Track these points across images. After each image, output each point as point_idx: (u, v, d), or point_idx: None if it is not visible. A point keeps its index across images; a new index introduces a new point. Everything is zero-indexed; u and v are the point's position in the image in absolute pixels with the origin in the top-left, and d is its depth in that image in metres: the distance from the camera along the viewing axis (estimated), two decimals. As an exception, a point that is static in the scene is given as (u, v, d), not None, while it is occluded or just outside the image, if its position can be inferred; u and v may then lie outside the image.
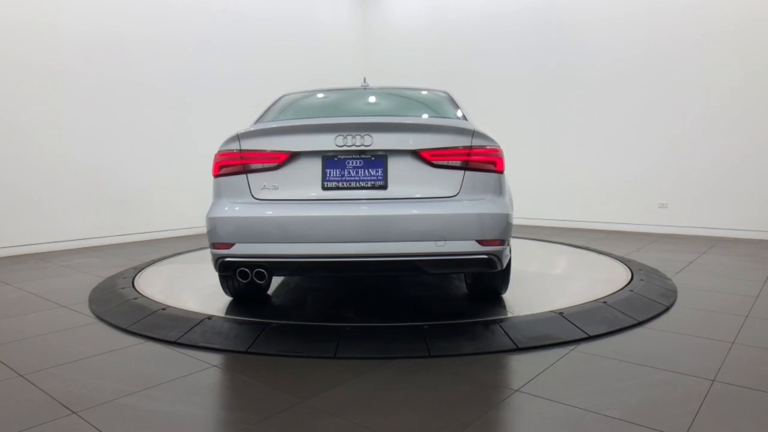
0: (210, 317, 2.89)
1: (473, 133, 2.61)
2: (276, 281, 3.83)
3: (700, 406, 1.90)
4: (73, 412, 1.90)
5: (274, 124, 2.78)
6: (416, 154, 2.57)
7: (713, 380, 2.12)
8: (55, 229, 5.69)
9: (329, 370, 2.31)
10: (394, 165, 2.58)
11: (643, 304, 3.15)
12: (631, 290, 3.38)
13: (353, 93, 3.54)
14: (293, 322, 2.81)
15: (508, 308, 3.06)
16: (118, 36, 6.15)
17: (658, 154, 6.74)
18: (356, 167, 2.60)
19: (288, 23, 8.13)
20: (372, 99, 3.44)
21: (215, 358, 2.44)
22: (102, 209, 6.03)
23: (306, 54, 8.36)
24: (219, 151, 2.75)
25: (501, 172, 2.68)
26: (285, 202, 2.61)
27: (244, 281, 2.72)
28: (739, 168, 6.20)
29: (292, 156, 2.63)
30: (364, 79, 4.03)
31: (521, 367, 2.30)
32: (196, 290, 3.61)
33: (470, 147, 2.58)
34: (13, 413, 1.91)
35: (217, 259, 2.65)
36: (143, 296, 3.39)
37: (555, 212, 7.58)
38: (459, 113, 3.14)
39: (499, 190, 2.67)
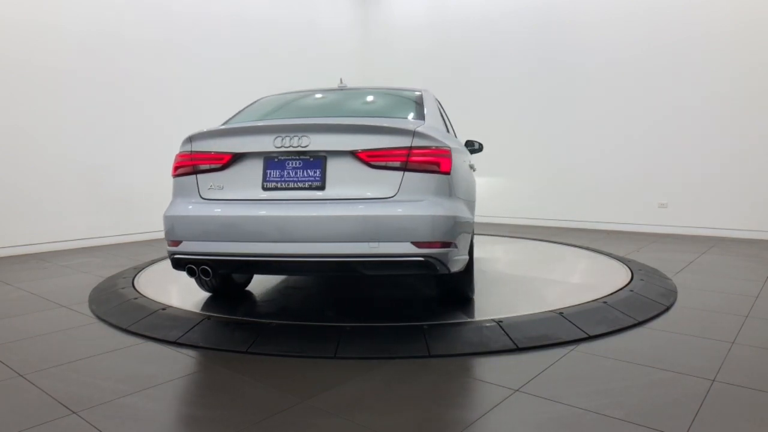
0: (210, 317, 2.89)
1: (414, 134, 2.54)
2: (276, 281, 3.83)
3: (700, 406, 1.90)
4: (73, 412, 1.90)
5: (220, 126, 2.83)
6: (354, 155, 2.54)
7: (713, 380, 2.12)
8: (55, 229, 5.69)
9: (329, 370, 2.31)
10: (333, 166, 2.57)
11: (643, 304, 3.15)
12: (631, 290, 3.38)
13: (323, 94, 3.58)
14: (293, 322, 2.81)
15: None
16: (118, 37, 6.15)
17: (658, 154, 6.74)
18: (295, 168, 2.61)
19: (288, 24, 8.14)
20: (336, 100, 3.43)
21: (215, 358, 2.44)
22: (102, 209, 6.03)
23: (306, 54, 8.36)
24: (178, 152, 2.84)
25: (446, 172, 2.58)
26: (228, 202, 2.66)
27: (192, 277, 2.77)
28: (739, 168, 6.20)
29: (236, 157, 2.67)
30: (341, 80, 4.04)
31: (521, 367, 2.30)
32: (196, 290, 3.60)
33: (410, 148, 2.52)
34: (13, 413, 1.91)
35: (169, 255, 2.75)
36: (143, 296, 3.39)
37: (555, 212, 7.58)
38: (424, 113, 3.00)
39: (444, 191, 2.57)
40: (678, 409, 1.87)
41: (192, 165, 2.76)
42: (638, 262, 4.52)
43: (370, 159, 2.52)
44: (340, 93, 3.52)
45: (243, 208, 2.60)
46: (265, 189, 2.62)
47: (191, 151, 2.77)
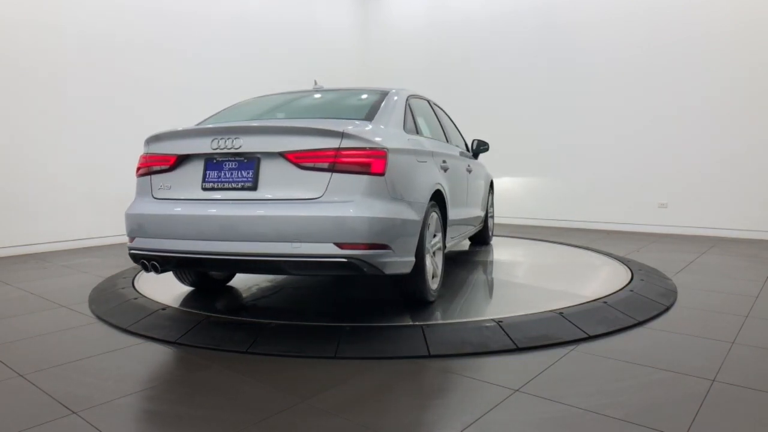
0: (210, 317, 2.89)
1: (342, 135, 2.54)
2: (276, 281, 3.83)
3: (700, 406, 1.90)
4: (73, 412, 1.90)
5: (166, 130, 2.91)
6: (284, 156, 2.57)
7: (713, 380, 2.12)
8: (55, 229, 5.69)
9: (329, 370, 2.31)
10: (265, 167, 2.61)
11: (643, 304, 3.15)
12: (631, 290, 3.38)
13: (292, 96, 3.68)
14: (293, 322, 2.81)
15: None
16: (118, 37, 6.15)
17: (658, 154, 6.74)
18: (231, 169, 2.67)
19: (288, 24, 8.14)
20: (300, 102, 3.53)
21: (215, 358, 2.44)
22: (102, 209, 6.03)
23: (306, 55, 8.36)
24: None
25: (378, 173, 2.56)
26: (172, 202, 2.77)
27: (147, 272, 2.90)
28: (739, 168, 6.20)
29: (181, 159, 2.79)
30: (315, 81, 4.09)
31: (521, 367, 2.30)
32: (196, 290, 3.60)
33: (338, 149, 2.53)
34: (13, 413, 1.91)
35: (127, 251, 2.90)
36: (143, 296, 3.39)
37: (555, 212, 7.59)
38: (375, 114, 3.00)
39: (376, 192, 2.55)
40: (678, 409, 1.87)
41: (147, 166, 2.92)
42: (638, 262, 4.52)
43: (299, 160, 2.55)
44: (307, 95, 3.64)
45: (184, 207, 2.71)
46: (204, 189, 2.71)
47: (147, 153, 2.94)
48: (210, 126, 2.79)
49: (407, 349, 2.48)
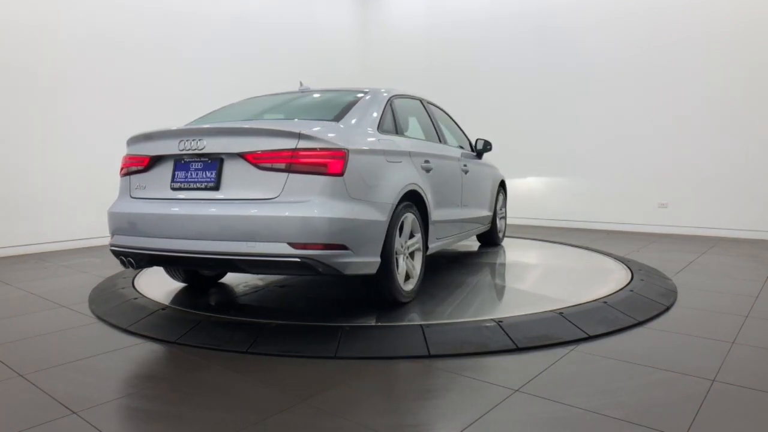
0: (210, 317, 2.89)
1: (299, 136, 2.57)
2: (275, 281, 3.83)
3: (700, 406, 1.90)
4: (73, 412, 1.90)
5: (141, 132, 2.99)
6: (243, 157, 2.62)
7: (713, 380, 2.12)
8: (55, 229, 5.69)
9: (329, 370, 2.31)
10: (228, 168, 2.67)
11: (643, 304, 3.15)
12: (631, 290, 3.38)
13: (276, 98, 3.74)
14: (293, 322, 2.81)
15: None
16: (118, 37, 6.15)
17: (658, 154, 6.74)
18: (196, 169, 2.75)
19: (288, 24, 8.14)
20: (278, 103, 3.57)
21: (215, 358, 2.44)
22: (102, 209, 5.97)
23: (306, 55, 8.36)
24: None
25: (336, 174, 2.58)
26: (146, 201, 2.87)
27: (124, 267, 3.00)
28: (739, 168, 6.20)
29: (154, 160, 2.89)
30: (300, 83, 4.10)
31: (521, 367, 2.30)
32: (196, 290, 3.61)
33: (295, 150, 2.56)
34: (13, 413, 1.91)
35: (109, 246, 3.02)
36: (143, 296, 3.39)
37: (555, 212, 7.59)
38: (346, 114, 3.02)
39: (334, 192, 2.56)
40: (678, 409, 1.87)
41: (126, 167, 3.03)
42: (638, 262, 4.52)
43: (257, 161, 2.59)
44: (291, 96, 3.68)
45: (154, 206, 2.80)
46: (172, 189, 2.80)
47: (127, 154, 3.05)
48: (177, 128, 2.85)
49: (407, 349, 2.48)
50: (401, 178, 3.04)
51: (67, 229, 5.75)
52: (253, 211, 2.53)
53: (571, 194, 7.49)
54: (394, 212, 2.90)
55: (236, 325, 2.79)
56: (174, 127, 2.87)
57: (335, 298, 3.46)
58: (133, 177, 2.98)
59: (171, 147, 2.80)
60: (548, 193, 7.68)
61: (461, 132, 4.77)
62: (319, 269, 2.53)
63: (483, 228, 4.93)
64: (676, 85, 6.56)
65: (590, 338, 2.62)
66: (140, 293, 3.47)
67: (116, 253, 2.93)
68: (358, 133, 2.92)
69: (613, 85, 7.04)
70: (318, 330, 2.70)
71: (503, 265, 4.58)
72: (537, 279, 4.00)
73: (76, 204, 5.84)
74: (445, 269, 4.24)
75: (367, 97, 3.30)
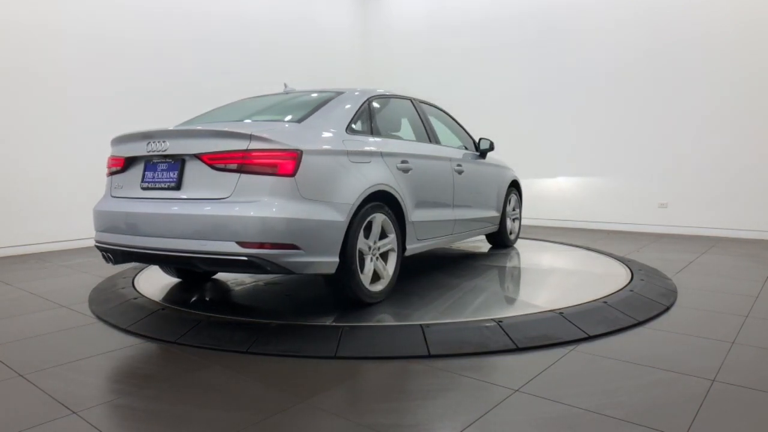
0: (210, 317, 2.89)
1: (251, 137, 2.63)
2: (275, 280, 3.83)
3: (700, 406, 1.90)
4: (73, 412, 1.90)
5: (119, 134, 3.12)
6: (200, 158, 2.71)
7: (713, 380, 2.12)
8: (55, 229, 5.69)
9: (329, 370, 2.31)
10: (189, 168, 2.77)
11: (643, 304, 3.15)
12: (631, 290, 3.38)
13: (258, 100, 3.81)
14: (293, 322, 2.81)
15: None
16: (118, 37, 6.15)
17: (658, 154, 6.74)
18: (162, 170, 2.87)
19: (288, 25, 8.14)
20: (257, 105, 3.63)
21: (215, 358, 2.44)
22: (102, 209, 6.03)
23: (306, 55, 8.36)
24: None
25: (287, 174, 2.62)
26: (120, 200, 3.02)
27: (106, 262, 3.14)
28: (739, 168, 6.20)
29: (129, 161, 3.03)
30: (285, 85, 4.11)
31: (521, 367, 2.30)
32: (196, 290, 3.61)
33: (246, 151, 2.62)
34: (13, 413, 1.92)
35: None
36: (143, 296, 3.39)
37: (555, 212, 7.59)
38: (312, 115, 3.08)
39: (282, 193, 2.60)
40: (678, 409, 1.87)
41: (109, 167, 3.18)
42: (638, 262, 4.52)
43: (212, 162, 2.68)
44: (272, 98, 3.75)
45: (126, 205, 2.94)
46: (142, 189, 2.92)
47: (110, 155, 3.20)
48: (145, 130, 2.94)
49: (407, 349, 2.48)
50: (367, 178, 3.04)
51: (67, 229, 5.75)
52: (206, 210, 2.61)
53: (571, 194, 7.49)
54: (357, 212, 2.91)
55: (236, 325, 2.79)
56: (143, 129, 2.96)
57: (335, 299, 3.46)
58: (114, 177, 3.12)
59: (141, 148, 2.92)
60: (548, 193, 7.68)
61: (464, 132, 4.69)
62: (267, 268, 2.59)
63: (489, 229, 4.86)
64: (677, 84, 6.56)
65: (590, 338, 2.62)
66: (140, 293, 3.47)
67: (98, 248, 3.09)
68: (319, 134, 2.96)
69: (613, 85, 7.04)
70: (318, 330, 2.70)
71: (503, 264, 4.58)
72: (537, 279, 3.99)
73: (76, 204, 5.84)
74: (446, 269, 4.24)
75: (340, 98, 3.34)
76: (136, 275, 4.06)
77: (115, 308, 3.21)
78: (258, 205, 2.56)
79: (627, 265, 4.24)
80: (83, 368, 2.35)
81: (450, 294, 3.42)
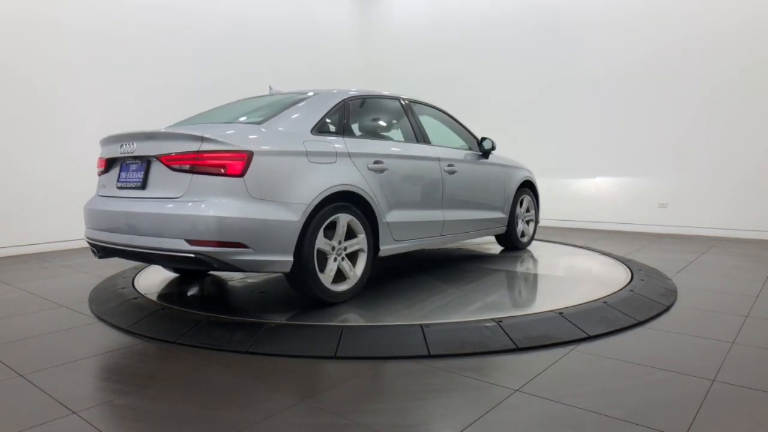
0: (210, 317, 2.89)
1: (202, 139, 2.74)
2: (275, 280, 3.83)
3: (700, 406, 1.90)
4: (73, 412, 1.90)
5: (105, 135, 3.28)
6: (160, 159, 2.85)
7: (713, 380, 2.12)
8: (55, 229, 5.69)
9: (329, 370, 2.31)
10: (153, 169, 2.92)
11: (643, 304, 3.15)
12: (631, 290, 3.38)
13: (241, 103, 3.84)
14: (293, 322, 2.81)
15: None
16: (117, 35, 6.15)
17: (658, 154, 6.74)
18: (132, 171, 3.03)
19: (287, 23, 8.13)
20: (239, 108, 3.66)
21: (215, 358, 2.44)
22: (102, 209, 6.03)
23: (305, 54, 8.36)
24: None
25: (235, 175, 2.70)
26: (102, 198, 3.22)
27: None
28: (739, 168, 6.20)
29: (109, 161, 3.23)
30: (270, 87, 4.11)
31: (521, 367, 2.30)
32: (196, 290, 3.61)
33: (198, 152, 2.73)
34: (13, 413, 1.92)
35: None
36: (143, 296, 3.39)
37: (555, 212, 7.58)
38: (275, 117, 3.15)
39: (231, 193, 2.69)
40: (678, 409, 1.87)
41: (98, 167, 3.39)
42: (638, 262, 4.52)
43: (169, 163, 2.81)
44: (256, 100, 3.79)
45: (103, 203, 3.14)
46: (117, 188, 3.10)
47: (99, 156, 3.39)
48: (120, 133, 3.13)
49: (407, 349, 2.48)
50: (328, 179, 3.06)
51: (67, 229, 5.75)
52: (161, 209, 2.76)
53: (571, 194, 7.49)
54: (315, 212, 2.95)
55: (236, 325, 2.79)
56: (119, 132, 3.13)
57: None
58: (101, 177, 3.32)
59: (117, 150, 3.10)
60: (548, 193, 7.67)
61: (466, 131, 4.61)
62: (214, 265, 2.70)
63: (494, 230, 4.76)
64: (676, 84, 6.56)
65: (590, 338, 2.62)
66: (140, 293, 3.47)
67: (88, 242, 3.25)
68: (276, 135, 3.00)
69: (613, 85, 7.04)
70: (318, 330, 2.70)
71: (503, 264, 4.58)
72: (537, 279, 3.99)
73: (76, 204, 5.80)
74: (446, 269, 4.24)
75: (311, 99, 3.40)
76: (136, 275, 4.07)
77: (115, 308, 3.21)
78: (205, 205, 2.66)
79: (627, 265, 4.24)
80: (83, 368, 2.35)
81: (450, 294, 3.41)
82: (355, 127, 3.63)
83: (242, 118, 3.35)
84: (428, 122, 4.32)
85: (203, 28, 7.03)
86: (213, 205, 2.65)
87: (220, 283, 3.87)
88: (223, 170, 2.70)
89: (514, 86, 7.90)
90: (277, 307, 3.26)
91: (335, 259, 3.13)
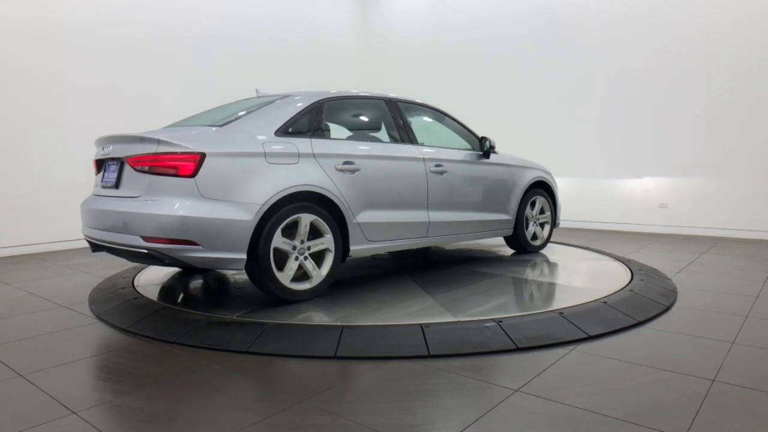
0: (210, 317, 2.89)
1: (159, 142, 2.90)
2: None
3: (700, 406, 1.90)
4: (73, 412, 1.90)
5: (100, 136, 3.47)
6: (127, 161, 3.05)
7: (713, 380, 2.12)
8: (55, 229, 5.69)
9: (329, 370, 2.31)
10: (125, 170, 3.11)
11: (643, 304, 3.15)
12: (631, 290, 3.38)
13: (226, 106, 3.89)
14: (293, 322, 2.81)
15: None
16: (117, 36, 6.15)
17: (658, 154, 6.74)
18: (111, 171, 3.23)
19: (287, 24, 8.13)
20: (221, 111, 3.70)
21: (215, 358, 2.44)
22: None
23: (305, 55, 8.36)
24: None
25: (187, 175, 2.84)
26: (92, 196, 3.41)
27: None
28: (739, 168, 6.20)
29: (98, 162, 3.42)
30: (257, 90, 4.12)
31: (521, 367, 2.30)
32: (196, 290, 3.61)
33: (155, 154, 2.89)
34: (13, 413, 1.92)
35: None
36: (143, 296, 3.39)
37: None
38: (235, 119, 3.27)
39: (182, 192, 2.83)
40: (678, 409, 1.87)
41: (93, 168, 3.55)
42: (638, 262, 4.52)
43: (133, 164, 3.00)
44: (240, 103, 3.84)
45: (91, 201, 3.34)
46: (102, 187, 3.30)
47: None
48: (102, 136, 3.34)
49: (407, 349, 2.48)
50: (287, 179, 3.10)
51: (67, 229, 5.75)
52: (124, 207, 2.96)
53: (570, 194, 7.48)
54: (271, 212, 3.00)
55: (236, 325, 2.79)
56: (103, 135, 3.33)
57: (335, 299, 3.46)
58: (96, 177, 3.49)
59: (100, 152, 3.33)
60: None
61: (467, 131, 4.52)
62: (166, 261, 2.87)
63: (497, 232, 4.59)
64: (676, 84, 6.56)
65: (590, 338, 2.62)
66: (140, 293, 3.47)
67: (84, 237, 3.43)
68: (234, 137, 3.09)
69: (613, 85, 7.04)
70: (318, 330, 2.70)
71: (503, 263, 4.58)
72: (537, 279, 3.99)
73: (76, 204, 5.82)
74: (446, 269, 4.24)
75: (280, 102, 3.47)
76: (136, 275, 4.07)
77: (115, 308, 3.21)
78: (157, 203, 2.84)
79: (627, 265, 4.24)
80: (83, 368, 2.35)
81: (451, 294, 3.41)
82: (331, 128, 3.68)
83: (217, 120, 3.40)
84: (422, 122, 4.29)
85: (204, 29, 7.02)
86: (164, 204, 2.81)
87: (220, 282, 3.87)
88: (176, 171, 2.85)
89: (512, 85, 7.89)
90: (277, 307, 3.26)
91: (297, 258, 3.16)
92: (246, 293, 3.55)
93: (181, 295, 3.52)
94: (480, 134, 4.63)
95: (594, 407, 1.89)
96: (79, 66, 5.84)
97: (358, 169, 3.47)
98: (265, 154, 3.08)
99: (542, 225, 5.06)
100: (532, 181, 4.84)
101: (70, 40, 5.76)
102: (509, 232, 4.73)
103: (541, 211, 5.01)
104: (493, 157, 4.55)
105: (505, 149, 6.79)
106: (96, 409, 1.93)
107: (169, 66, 6.64)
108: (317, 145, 3.35)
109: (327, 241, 3.27)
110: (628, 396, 1.99)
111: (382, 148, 3.82)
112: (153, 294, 3.47)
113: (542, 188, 5.02)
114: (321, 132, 3.51)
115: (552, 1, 7.50)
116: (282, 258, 3.11)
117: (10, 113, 5.38)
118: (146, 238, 2.81)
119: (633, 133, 6.92)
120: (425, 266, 4.42)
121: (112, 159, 3.19)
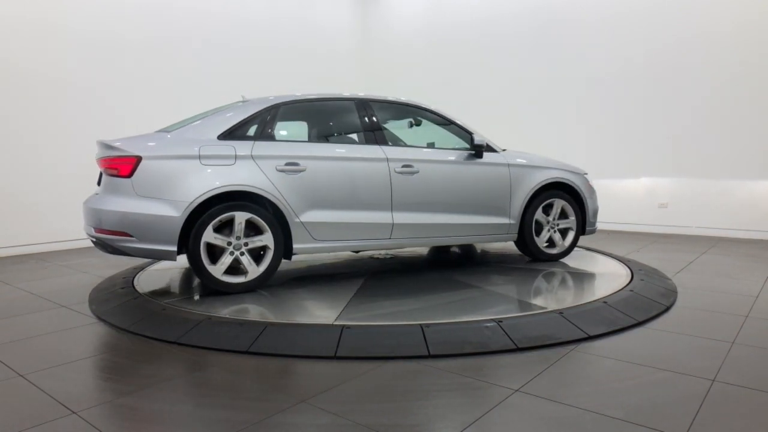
0: (210, 317, 2.89)
1: (108, 147, 3.33)
2: (275, 280, 3.83)
3: (700, 406, 1.90)
4: (73, 412, 1.90)
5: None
6: (99, 163, 3.45)
7: (713, 380, 2.12)
8: (55, 229, 5.69)
9: (329, 370, 2.31)
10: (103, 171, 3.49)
11: (643, 304, 3.15)
12: (631, 290, 3.38)
13: (207, 111, 3.98)
14: (293, 322, 2.81)
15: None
16: (118, 36, 6.15)
17: (658, 154, 6.74)
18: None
19: (286, 25, 8.13)
20: (197, 116, 3.85)
21: (215, 358, 2.44)
22: (102, 209, 6.03)
23: (305, 56, 8.35)
24: None
25: (125, 176, 3.22)
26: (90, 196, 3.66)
27: None
28: (739, 168, 6.20)
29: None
30: (243, 96, 4.12)
31: (521, 367, 2.30)
32: (196, 290, 3.61)
33: (108, 157, 3.32)
34: (13, 413, 1.92)
35: None
36: (143, 296, 3.39)
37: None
38: (190, 126, 3.55)
39: (119, 191, 3.24)
40: (678, 409, 1.87)
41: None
42: (638, 262, 4.52)
43: (101, 165, 3.42)
44: (216, 109, 3.94)
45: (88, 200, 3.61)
46: (99, 185, 3.55)
47: None
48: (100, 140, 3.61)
49: (407, 349, 2.48)
50: (218, 180, 3.32)
51: (67, 229, 5.75)
52: (91, 203, 3.40)
53: (571, 194, 7.47)
54: (201, 209, 3.25)
55: (236, 325, 2.79)
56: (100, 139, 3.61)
57: (334, 299, 3.46)
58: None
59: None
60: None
61: (462, 130, 4.28)
62: (109, 250, 3.30)
63: (493, 237, 4.27)
64: (676, 84, 6.55)
65: (590, 338, 2.62)
66: (140, 293, 3.47)
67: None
68: (174, 142, 3.39)
69: (613, 85, 7.04)
70: (318, 330, 2.70)
71: (503, 263, 4.57)
72: (537, 279, 3.99)
73: (76, 204, 5.82)
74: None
75: (234, 107, 3.71)
76: (136, 275, 4.06)
77: (115, 308, 3.21)
78: (102, 200, 3.31)
79: (627, 265, 4.23)
80: (83, 368, 2.35)
81: (451, 294, 3.41)
82: (285, 130, 3.84)
83: (181, 125, 3.67)
84: (404, 122, 4.26)
85: (204, 31, 7.02)
86: (106, 200, 3.28)
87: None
88: (117, 172, 3.26)
89: (512, 85, 7.89)
90: (277, 307, 3.26)
91: (232, 254, 3.36)
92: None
93: (181, 295, 3.52)
94: (480, 134, 4.54)
95: (594, 407, 1.89)
96: (79, 67, 5.84)
97: (303, 170, 3.53)
98: (200, 157, 3.34)
99: (564, 231, 4.57)
100: (544, 182, 4.39)
101: (70, 41, 5.76)
102: (513, 237, 4.34)
103: (563, 216, 4.54)
104: (490, 157, 4.22)
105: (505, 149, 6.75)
106: (96, 409, 1.93)
107: (169, 67, 6.64)
108: (259, 147, 3.50)
109: (266, 238, 3.43)
110: (628, 396, 1.99)
111: (332, 148, 3.83)
112: (153, 294, 3.46)
113: (563, 190, 4.58)
114: (270, 135, 3.63)
115: (552, 1, 7.50)
116: (219, 252, 3.36)
117: (10, 113, 5.38)
118: (96, 229, 3.29)
119: (633, 133, 6.92)
120: (425, 266, 4.42)
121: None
